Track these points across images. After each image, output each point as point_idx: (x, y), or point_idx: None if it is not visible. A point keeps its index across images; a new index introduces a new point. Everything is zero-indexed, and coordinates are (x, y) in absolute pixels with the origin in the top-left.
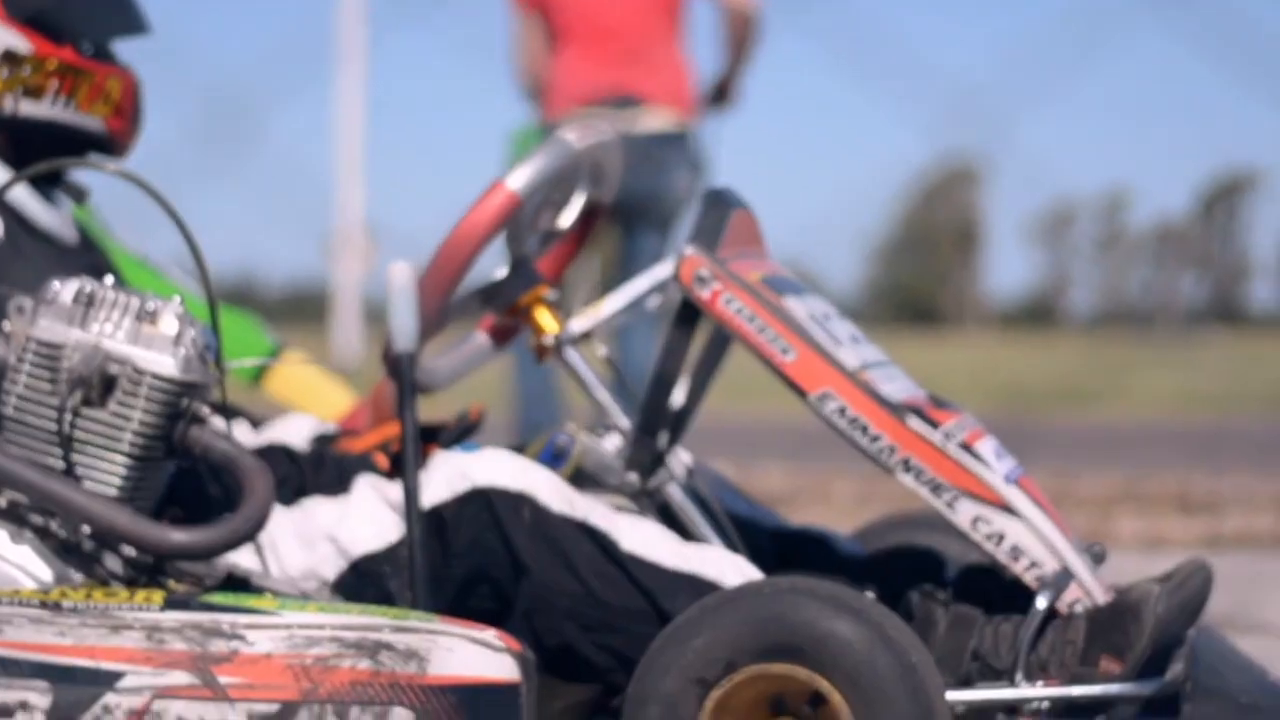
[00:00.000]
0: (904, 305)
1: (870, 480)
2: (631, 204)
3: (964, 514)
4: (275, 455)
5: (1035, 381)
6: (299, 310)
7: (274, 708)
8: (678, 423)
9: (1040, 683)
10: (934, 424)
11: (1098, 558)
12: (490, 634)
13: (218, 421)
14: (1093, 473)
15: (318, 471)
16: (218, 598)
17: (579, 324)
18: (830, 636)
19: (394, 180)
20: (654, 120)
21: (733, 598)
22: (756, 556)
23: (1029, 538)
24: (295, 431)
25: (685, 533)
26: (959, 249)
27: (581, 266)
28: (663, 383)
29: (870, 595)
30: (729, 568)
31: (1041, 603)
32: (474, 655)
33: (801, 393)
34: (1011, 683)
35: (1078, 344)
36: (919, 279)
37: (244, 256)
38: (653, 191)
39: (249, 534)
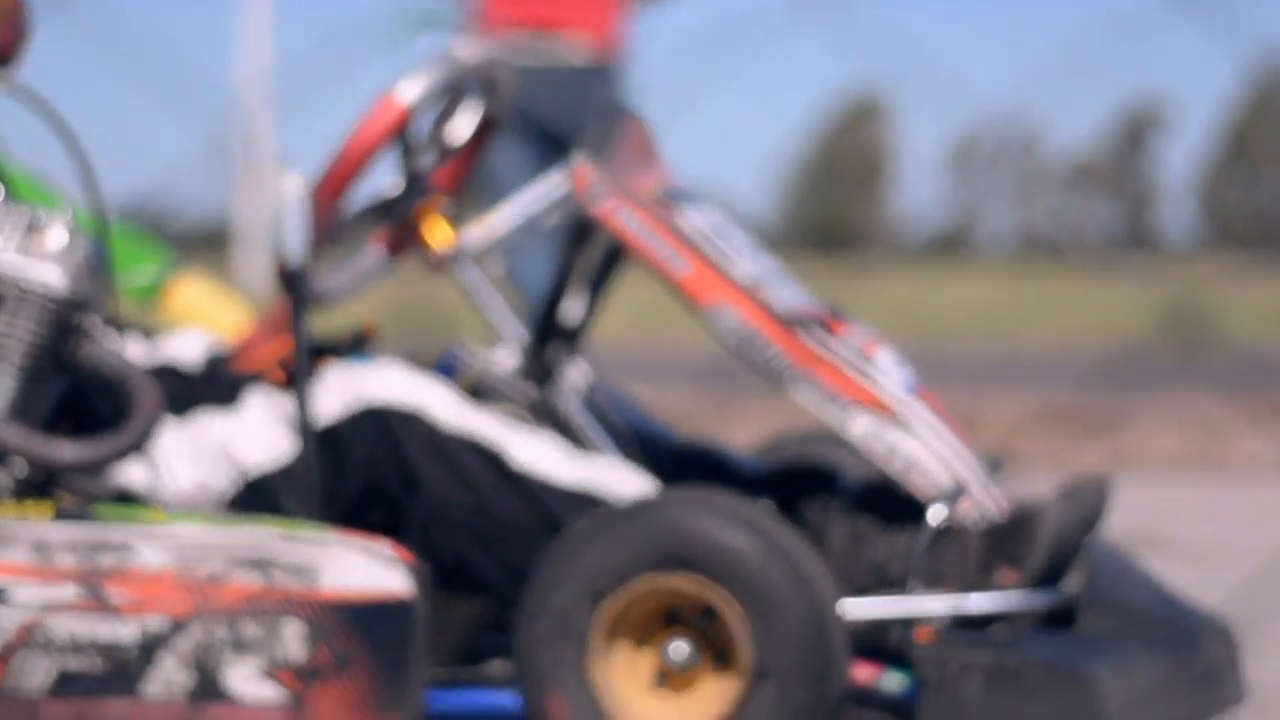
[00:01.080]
0: (819, 236)
1: (774, 402)
2: (557, 138)
3: (859, 426)
4: (167, 370)
5: (949, 310)
6: (210, 243)
7: (166, 622)
8: (574, 336)
9: (936, 593)
10: (828, 336)
11: (995, 469)
12: (384, 546)
13: (108, 337)
14: (1002, 396)
15: (211, 387)
16: (108, 511)
17: (473, 238)
18: (724, 548)
19: (306, 97)
20: (576, 51)
21: (626, 510)
22: (653, 471)
23: (925, 450)
24: (189, 347)
25: (581, 446)
26: (872, 179)
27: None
28: (558, 296)
29: (765, 507)
30: (623, 482)
31: (937, 514)
32: (367, 567)
33: (696, 306)
34: (908, 593)
35: (993, 273)
36: (833, 209)
37: (153, 186)
38: (578, 125)
39: (136, 446)
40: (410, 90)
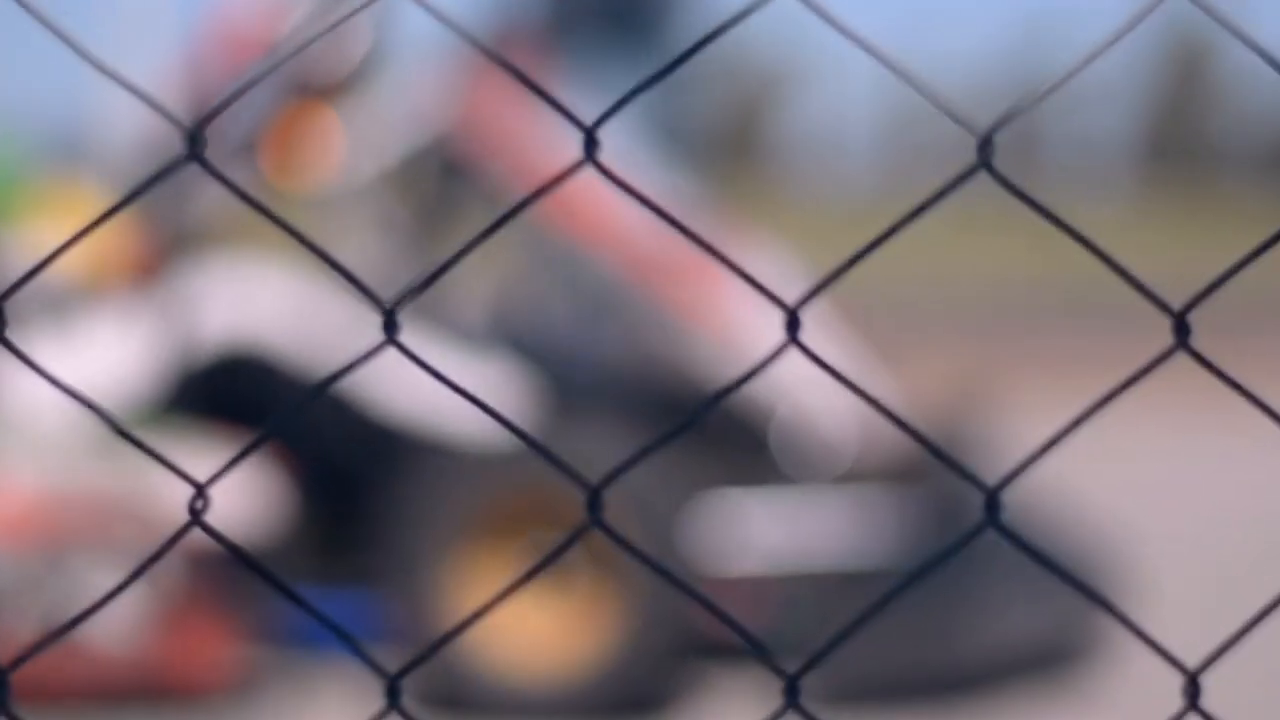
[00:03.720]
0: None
1: None
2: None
3: (708, 343)
4: (27, 282)
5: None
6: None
7: (29, 547)
8: (452, 261)
9: (797, 492)
10: (704, 253)
11: (882, 373)
12: (246, 468)
13: None
14: (905, 320)
15: (68, 310)
16: None
17: (353, 171)
18: (584, 455)
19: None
20: None
21: (491, 425)
22: (529, 388)
23: (788, 360)
24: (49, 266)
25: (460, 367)
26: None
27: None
28: (436, 223)
29: (627, 415)
30: (487, 405)
31: (798, 417)
32: (229, 488)
33: (559, 233)
34: (778, 487)
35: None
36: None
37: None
38: (641, 25)
39: None
40: (263, 27)
